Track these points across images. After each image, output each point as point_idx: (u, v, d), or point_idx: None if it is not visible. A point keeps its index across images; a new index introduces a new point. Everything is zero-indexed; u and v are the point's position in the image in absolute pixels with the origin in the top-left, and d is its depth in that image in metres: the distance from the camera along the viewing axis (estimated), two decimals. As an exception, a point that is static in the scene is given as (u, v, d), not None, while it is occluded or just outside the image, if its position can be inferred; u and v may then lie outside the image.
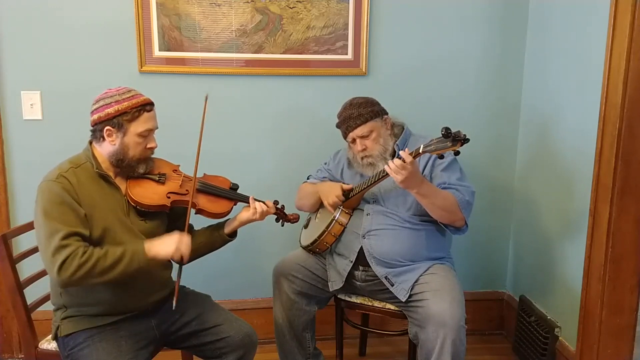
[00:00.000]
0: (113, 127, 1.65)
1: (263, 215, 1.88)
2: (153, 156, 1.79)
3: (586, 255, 2.08)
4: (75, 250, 1.51)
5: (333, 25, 2.42)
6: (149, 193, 1.73)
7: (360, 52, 2.45)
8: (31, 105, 2.33)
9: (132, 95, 1.68)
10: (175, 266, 1.75)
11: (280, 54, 2.42)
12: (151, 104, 1.71)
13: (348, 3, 2.41)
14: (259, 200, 1.90)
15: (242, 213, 1.88)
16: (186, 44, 2.36)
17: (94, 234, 1.62)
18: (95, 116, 1.67)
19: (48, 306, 1.82)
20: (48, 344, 1.82)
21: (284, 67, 2.44)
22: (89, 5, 2.29)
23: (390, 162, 1.76)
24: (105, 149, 1.69)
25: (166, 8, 2.32)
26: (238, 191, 1.92)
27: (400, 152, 1.75)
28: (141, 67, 2.34)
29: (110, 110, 1.64)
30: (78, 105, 2.32)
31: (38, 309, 1.90)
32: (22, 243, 2.34)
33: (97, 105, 1.67)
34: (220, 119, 2.45)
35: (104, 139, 1.67)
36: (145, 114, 1.68)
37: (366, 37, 2.43)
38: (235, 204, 1.89)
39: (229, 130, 2.47)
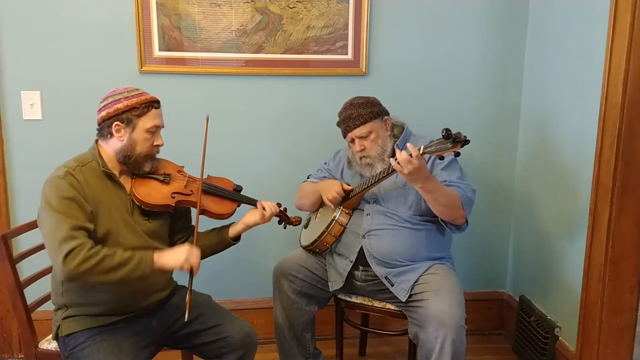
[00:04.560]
0: (122, 122, 1.67)
1: (270, 218, 1.90)
2: (158, 157, 1.80)
3: (586, 255, 2.08)
4: (83, 243, 1.51)
5: (333, 25, 2.42)
6: (154, 192, 1.74)
7: (360, 52, 2.45)
8: (31, 105, 2.33)
9: (140, 93, 1.71)
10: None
11: (280, 54, 2.42)
12: (158, 102, 1.74)
13: (348, 3, 2.41)
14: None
15: (248, 217, 1.89)
16: (186, 44, 2.36)
17: (98, 233, 1.62)
18: (104, 112, 1.68)
19: (48, 306, 1.82)
20: (48, 344, 1.82)
21: (284, 67, 2.44)
22: (89, 6, 2.29)
23: (397, 155, 1.73)
24: (112, 146, 1.70)
25: (166, 8, 2.32)
26: (242, 193, 1.93)
27: (408, 145, 1.73)
28: (141, 67, 2.34)
29: (120, 105, 1.66)
30: (78, 105, 2.33)
31: (38, 309, 1.89)
32: (22, 243, 2.34)
33: (105, 103, 1.69)
34: (220, 119, 2.44)
35: (112, 135, 1.68)
36: (154, 110, 1.71)
37: (366, 37, 2.43)
38: (239, 206, 1.90)
39: (229, 130, 2.47)
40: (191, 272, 1.63)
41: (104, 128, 1.69)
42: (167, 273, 1.83)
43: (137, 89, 1.72)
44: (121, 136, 1.68)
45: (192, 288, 1.63)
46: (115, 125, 1.67)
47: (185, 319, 1.60)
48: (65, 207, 1.55)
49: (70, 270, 1.49)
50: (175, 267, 1.62)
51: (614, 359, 2.08)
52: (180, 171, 1.87)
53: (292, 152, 2.53)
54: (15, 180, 2.38)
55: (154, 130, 1.72)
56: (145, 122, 1.69)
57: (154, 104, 1.71)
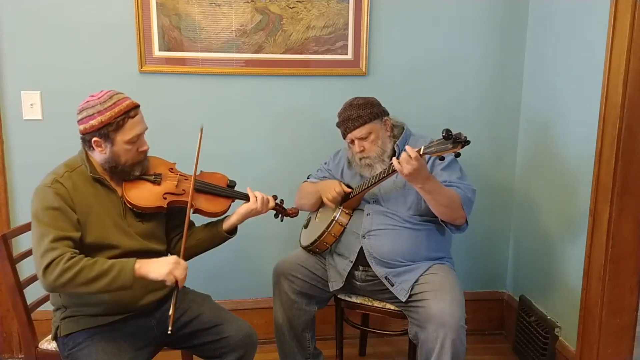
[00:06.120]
0: (100, 138, 1.63)
1: (264, 204, 1.85)
2: (149, 154, 1.77)
3: (586, 255, 2.09)
4: (61, 255, 1.49)
5: (333, 25, 2.42)
6: (145, 194, 1.72)
7: (360, 52, 2.45)
8: (31, 105, 2.33)
9: (114, 103, 1.62)
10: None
11: (280, 54, 2.42)
12: (135, 108, 1.66)
13: (348, 3, 2.41)
14: None
15: (241, 207, 1.86)
16: (186, 44, 2.36)
17: (90, 238, 1.61)
18: (81, 127, 1.65)
19: (48, 306, 1.82)
20: (48, 344, 1.82)
21: (284, 67, 2.43)
22: (89, 6, 2.29)
23: (397, 156, 1.73)
24: (97, 157, 1.68)
25: (166, 8, 2.31)
26: (235, 188, 1.91)
27: (407, 147, 1.73)
28: (141, 67, 2.34)
29: (94, 122, 1.61)
30: (78, 106, 2.32)
31: (38, 309, 1.90)
32: (22, 243, 2.34)
33: (81, 116, 1.65)
34: (219, 119, 2.45)
35: (93, 148, 1.66)
36: (130, 121, 1.64)
37: (366, 37, 2.43)
38: (233, 202, 1.89)
39: (229, 130, 2.47)
40: (176, 286, 1.56)
41: (85, 141, 1.67)
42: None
43: (111, 97, 1.63)
44: (102, 150, 1.65)
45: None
46: (95, 140, 1.63)
47: (169, 332, 1.55)
48: (49, 218, 1.54)
49: (50, 282, 1.48)
50: (158, 278, 1.53)
51: (614, 359, 2.08)
52: (172, 169, 1.84)
53: (292, 152, 2.53)
54: (15, 180, 2.38)
55: (135, 140, 1.66)
56: (124, 135, 1.63)
57: (129, 113, 1.63)
